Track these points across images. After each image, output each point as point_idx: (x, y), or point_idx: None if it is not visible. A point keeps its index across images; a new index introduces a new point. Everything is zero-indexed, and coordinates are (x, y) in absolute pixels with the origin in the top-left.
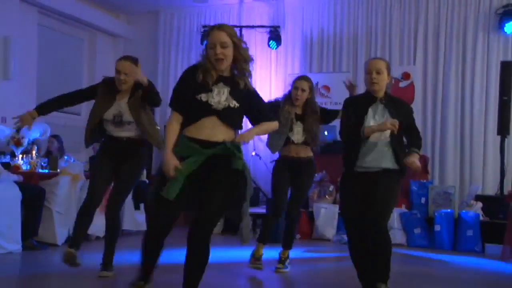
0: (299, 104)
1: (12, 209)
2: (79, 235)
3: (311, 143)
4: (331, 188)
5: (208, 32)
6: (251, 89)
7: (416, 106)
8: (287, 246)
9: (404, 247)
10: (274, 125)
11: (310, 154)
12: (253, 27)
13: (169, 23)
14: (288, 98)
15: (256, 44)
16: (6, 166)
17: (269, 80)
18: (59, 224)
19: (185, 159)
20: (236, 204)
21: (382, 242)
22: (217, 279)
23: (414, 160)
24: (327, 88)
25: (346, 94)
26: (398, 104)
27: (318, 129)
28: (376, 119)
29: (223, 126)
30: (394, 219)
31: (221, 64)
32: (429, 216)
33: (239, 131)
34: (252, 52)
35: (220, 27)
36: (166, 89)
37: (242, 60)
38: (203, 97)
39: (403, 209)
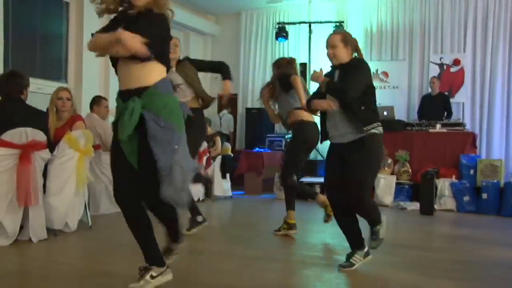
0: None
1: None
2: None
3: None
4: (389, 161)
5: None
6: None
7: (466, 89)
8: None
9: (454, 212)
10: None
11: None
12: (320, 22)
13: (249, 22)
14: None
15: (323, 37)
16: None
17: None
18: None
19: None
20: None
21: (362, 213)
22: (294, 235)
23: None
24: (385, 74)
25: (402, 79)
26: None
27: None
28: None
29: (134, 66)
30: (446, 188)
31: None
32: (477, 185)
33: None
34: (319, 44)
35: None
36: (246, 77)
37: None
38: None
39: (453, 179)
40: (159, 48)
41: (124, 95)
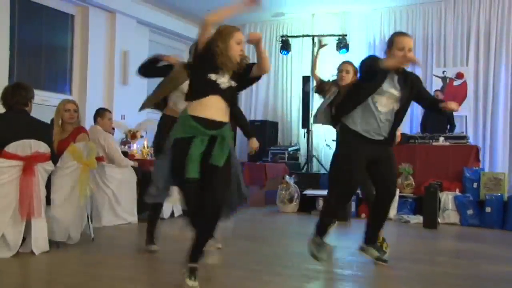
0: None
1: (130, 189)
2: None
3: None
4: None
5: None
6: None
7: (469, 102)
8: None
9: (457, 225)
10: None
11: None
12: (323, 36)
13: None
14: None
15: (327, 50)
16: (125, 154)
17: None
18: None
19: (185, 139)
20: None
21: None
22: (297, 248)
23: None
24: None
25: None
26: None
27: None
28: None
29: (224, 105)
30: (449, 201)
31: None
32: (481, 199)
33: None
34: (322, 57)
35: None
36: (249, 90)
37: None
38: (213, 76)
39: (457, 192)
40: None
41: (208, 124)
